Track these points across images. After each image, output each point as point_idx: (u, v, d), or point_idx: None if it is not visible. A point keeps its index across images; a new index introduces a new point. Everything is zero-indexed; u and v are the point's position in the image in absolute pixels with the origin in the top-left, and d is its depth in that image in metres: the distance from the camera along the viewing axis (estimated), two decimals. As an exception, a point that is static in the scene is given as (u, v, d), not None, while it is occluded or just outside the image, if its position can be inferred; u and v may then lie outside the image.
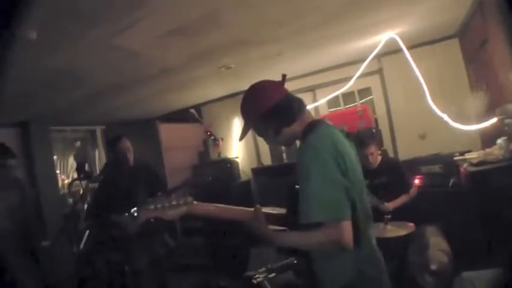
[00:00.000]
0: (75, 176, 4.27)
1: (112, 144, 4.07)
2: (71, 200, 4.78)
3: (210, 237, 6.18)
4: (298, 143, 1.96)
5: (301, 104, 1.92)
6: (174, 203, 1.75)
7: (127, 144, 4.05)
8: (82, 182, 3.91)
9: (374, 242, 1.89)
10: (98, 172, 5.04)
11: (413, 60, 4.52)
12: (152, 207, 1.73)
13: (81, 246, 4.05)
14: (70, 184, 4.68)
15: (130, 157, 4.06)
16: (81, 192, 4.19)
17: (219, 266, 5.68)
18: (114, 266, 4.14)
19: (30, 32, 2.26)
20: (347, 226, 1.63)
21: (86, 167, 3.92)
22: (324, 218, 1.63)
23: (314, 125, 1.84)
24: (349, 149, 1.84)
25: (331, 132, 1.82)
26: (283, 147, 6.27)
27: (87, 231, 4.03)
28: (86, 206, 4.17)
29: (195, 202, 1.79)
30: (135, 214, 1.78)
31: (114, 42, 3.00)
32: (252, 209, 1.85)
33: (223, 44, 3.69)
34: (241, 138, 2.02)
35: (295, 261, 3.23)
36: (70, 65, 3.30)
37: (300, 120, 1.88)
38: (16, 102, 3.95)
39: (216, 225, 5.84)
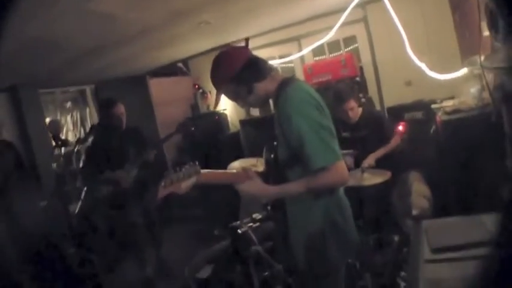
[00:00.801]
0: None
1: (106, 109, 4.17)
2: (54, 165, 4.91)
3: (203, 188, 6.31)
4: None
5: (268, 63, 2.05)
6: (184, 175, 1.81)
7: (121, 109, 4.17)
8: (61, 148, 4.03)
9: (341, 189, 2.05)
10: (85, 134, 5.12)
11: (399, 6, 4.46)
12: (165, 184, 1.78)
13: (80, 203, 4.25)
14: (52, 150, 4.80)
15: (124, 121, 4.20)
16: (74, 153, 4.35)
17: (213, 216, 5.86)
18: (110, 220, 4.35)
19: None
20: (344, 165, 1.82)
21: (61, 136, 4.04)
22: (328, 161, 1.77)
23: (287, 81, 1.97)
24: (323, 101, 1.97)
25: (305, 85, 1.97)
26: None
27: (84, 189, 4.21)
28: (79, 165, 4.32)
29: (202, 170, 1.87)
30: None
31: (88, 7, 3.01)
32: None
33: (200, 0, 3.68)
34: (215, 107, 2.16)
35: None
36: (48, 32, 3.33)
37: (271, 77, 2.00)
38: (1, 69, 4.00)
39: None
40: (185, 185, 1.81)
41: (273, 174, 2.06)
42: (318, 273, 1.97)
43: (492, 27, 2.15)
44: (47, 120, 5.35)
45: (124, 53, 4.79)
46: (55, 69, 4.61)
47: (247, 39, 2.09)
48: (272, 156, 2.06)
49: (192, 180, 1.83)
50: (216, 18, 4.35)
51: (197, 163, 1.88)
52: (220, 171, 2.02)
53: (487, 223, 2.04)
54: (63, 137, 4.00)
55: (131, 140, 4.21)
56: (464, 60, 4.71)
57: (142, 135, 4.45)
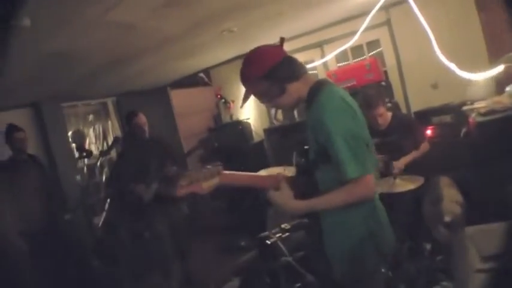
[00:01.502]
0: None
1: (129, 120, 4.26)
2: (78, 177, 4.92)
3: (229, 199, 6.28)
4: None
5: (302, 64, 1.99)
6: (205, 175, 1.76)
7: (143, 119, 4.24)
8: (85, 160, 4.03)
9: (376, 195, 1.98)
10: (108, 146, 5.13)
11: (423, 8, 4.36)
12: (185, 182, 1.74)
13: (104, 214, 4.23)
14: (76, 162, 4.82)
15: (146, 131, 4.24)
16: (97, 165, 4.34)
17: (240, 227, 5.79)
18: (135, 233, 4.33)
19: (24, 20, 2.30)
20: (372, 179, 1.77)
21: (86, 146, 4.04)
22: (358, 174, 1.71)
23: (321, 84, 1.93)
24: (356, 105, 1.94)
25: (339, 90, 1.92)
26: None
27: (108, 200, 4.20)
28: (102, 178, 4.31)
29: (224, 172, 1.82)
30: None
31: (108, 18, 2.99)
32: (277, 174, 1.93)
33: (222, 9, 3.63)
34: (242, 105, 2.10)
35: (307, 221, 3.31)
36: (69, 47, 3.33)
37: (304, 79, 1.95)
38: (24, 86, 4.04)
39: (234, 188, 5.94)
40: (207, 185, 1.76)
41: (304, 178, 1.99)
42: (355, 282, 1.91)
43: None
44: (70, 132, 5.38)
45: (145, 64, 4.78)
46: (77, 83, 4.62)
47: (282, 39, 2.03)
48: (303, 160, 2.00)
49: (214, 180, 1.78)
50: (238, 26, 4.31)
51: (220, 163, 1.82)
52: (244, 173, 1.95)
53: None
54: (87, 148, 3.97)
55: (154, 151, 4.21)
56: (492, 59, 4.60)
57: (167, 146, 4.47)
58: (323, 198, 1.79)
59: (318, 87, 1.91)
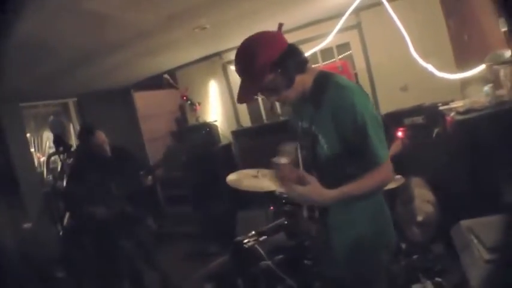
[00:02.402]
0: (51, 151, 4.10)
1: (85, 138, 3.83)
2: (50, 177, 4.58)
3: (195, 204, 6.15)
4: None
5: (304, 53, 1.82)
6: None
7: (102, 137, 3.83)
8: (61, 155, 3.71)
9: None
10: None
11: (394, 13, 4.41)
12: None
13: (64, 225, 3.96)
14: (48, 159, 4.49)
15: (107, 149, 3.86)
16: (59, 168, 4.05)
17: (208, 233, 5.66)
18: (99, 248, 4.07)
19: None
20: (391, 164, 1.72)
21: (65, 139, 3.72)
22: (387, 158, 1.68)
23: (327, 74, 1.80)
24: None
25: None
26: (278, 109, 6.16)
27: (67, 214, 3.92)
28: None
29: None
30: None
31: (83, 6, 2.81)
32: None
33: (196, 5, 3.53)
34: (247, 101, 1.94)
35: (286, 222, 3.22)
36: (39, 34, 3.09)
37: (308, 70, 1.80)
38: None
39: (201, 192, 5.82)
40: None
41: (314, 171, 1.81)
42: (365, 281, 1.83)
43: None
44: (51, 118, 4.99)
45: (112, 61, 4.62)
46: (39, 80, 4.35)
47: (281, 24, 1.79)
48: (312, 152, 1.86)
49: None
50: (211, 23, 4.21)
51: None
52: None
53: None
54: (66, 141, 3.61)
55: (117, 167, 3.85)
56: (459, 65, 4.71)
57: (130, 157, 4.12)
58: (353, 185, 1.64)
59: (325, 76, 1.78)
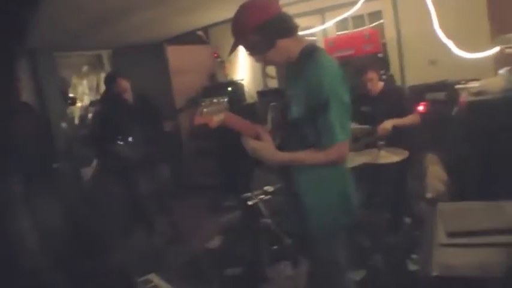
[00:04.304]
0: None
1: (107, 84, 4.08)
2: (64, 125, 4.84)
3: (218, 158, 6.32)
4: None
5: (296, 22, 1.98)
6: (217, 109, 1.84)
7: (123, 84, 4.01)
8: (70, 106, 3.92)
9: None
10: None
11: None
12: (201, 113, 1.81)
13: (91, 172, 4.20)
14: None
15: (128, 96, 4.06)
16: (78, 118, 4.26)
17: (225, 186, 5.83)
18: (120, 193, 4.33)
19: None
20: (347, 146, 1.85)
21: (69, 93, 3.92)
22: (343, 138, 1.80)
23: (315, 47, 1.97)
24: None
25: (330, 56, 1.94)
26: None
27: (95, 161, 4.14)
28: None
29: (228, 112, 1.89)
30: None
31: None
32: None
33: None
34: (230, 53, 2.08)
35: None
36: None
37: (296, 38, 1.97)
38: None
39: (222, 146, 5.94)
40: (216, 119, 1.82)
41: (280, 132, 2.05)
42: (331, 234, 1.98)
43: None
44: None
45: (145, 16, 4.67)
46: (74, 31, 4.51)
47: None
48: (280, 116, 2.04)
49: (221, 116, 1.84)
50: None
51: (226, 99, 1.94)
52: (242, 120, 1.98)
53: (507, 210, 1.97)
54: (70, 95, 3.84)
55: (139, 112, 4.10)
56: (495, 39, 4.53)
57: (153, 106, 4.33)
58: (305, 154, 1.85)
59: (313, 48, 1.94)
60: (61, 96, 3.85)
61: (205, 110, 1.80)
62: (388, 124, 3.57)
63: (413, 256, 3.26)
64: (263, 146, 1.85)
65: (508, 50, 2.80)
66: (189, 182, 6.39)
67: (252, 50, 1.99)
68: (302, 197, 1.97)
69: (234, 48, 2.02)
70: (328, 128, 1.78)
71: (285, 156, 1.87)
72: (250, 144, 1.85)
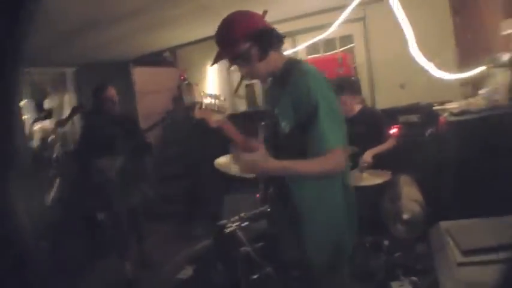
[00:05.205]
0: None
1: (97, 92, 4.08)
2: (33, 142, 4.63)
3: (186, 185, 6.14)
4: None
5: (282, 36, 1.93)
6: (218, 108, 1.85)
7: (113, 92, 4.10)
8: (44, 120, 3.79)
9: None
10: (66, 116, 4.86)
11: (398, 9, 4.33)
12: (202, 106, 1.80)
13: (53, 193, 3.97)
14: (32, 124, 4.51)
15: (116, 104, 4.12)
16: (51, 136, 4.11)
17: (195, 214, 5.66)
18: (87, 213, 4.12)
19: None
20: (344, 152, 1.79)
21: (46, 104, 3.77)
22: (335, 144, 1.71)
23: (295, 60, 1.94)
24: None
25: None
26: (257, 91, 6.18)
27: (58, 179, 3.93)
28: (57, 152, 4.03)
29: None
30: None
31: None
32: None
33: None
34: (214, 63, 1.93)
35: (269, 210, 3.20)
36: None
37: (280, 52, 1.93)
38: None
39: (192, 173, 5.80)
40: (216, 118, 1.82)
41: (273, 151, 1.89)
42: (335, 264, 1.88)
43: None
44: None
45: (113, 33, 4.56)
46: (39, 47, 4.29)
47: (265, 11, 1.96)
48: (273, 133, 1.94)
49: (221, 117, 1.85)
50: (215, 3, 4.13)
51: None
52: (242, 136, 1.98)
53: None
54: (47, 107, 3.66)
55: (122, 127, 4.09)
56: (461, 64, 4.65)
57: (134, 124, 4.40)
58: (299, 163, 1.73)
59: (296, 60, 1.94)
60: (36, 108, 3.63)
61: (206, 102, 1.77)
62: (368, 157, 3.58)
63: (402, 278, 3.19)
64: (256, 155, 1.74)
65: (492, 70, 2.82)
66: (154, 209, 6.14)
67: (242, 60, 1.88)
68: (303, 216, 1.86)
69: (218, 59, 1.91)
70: (319, 135, 1.70)
71: (279, 164, 1.72)
72: (245, 157, 1.74)
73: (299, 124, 1.77)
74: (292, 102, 1.78)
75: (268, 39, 1.81)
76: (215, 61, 1.91)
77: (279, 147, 1.88)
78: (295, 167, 1.73)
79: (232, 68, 2.01)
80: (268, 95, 2.07)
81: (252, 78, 2.10)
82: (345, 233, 1.86)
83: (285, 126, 1.83)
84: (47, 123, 4.81)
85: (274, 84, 1.95)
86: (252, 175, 3.02)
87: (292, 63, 1.88)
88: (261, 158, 1.72)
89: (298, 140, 1.78)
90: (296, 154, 1.78)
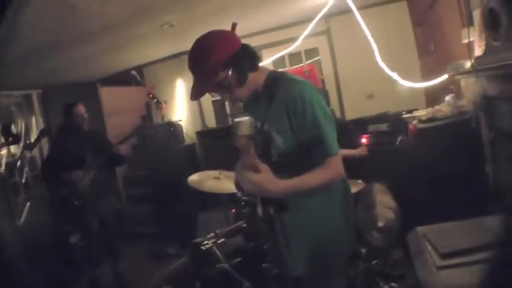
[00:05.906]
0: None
1: (68, 110, 4.09)
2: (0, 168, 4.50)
3: (156, 204, 6.05)
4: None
5: (257, 52, 1.84)
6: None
7: (82, 110, 4.13)
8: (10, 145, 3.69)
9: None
10: (34, 139, 4.76)
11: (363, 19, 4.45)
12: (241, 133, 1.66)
13: (23, 218, 3.87)
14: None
15: (86, 122, 4.15)
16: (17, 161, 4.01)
17: (167, 233, 5.58)
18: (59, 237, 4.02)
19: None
20: (340, 159, 1.73)
21: (12, 128, 3.66)
22: (334, 151, 1.67)
23: (278, 73, 1.85)
24: None
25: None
26: (227, 109, 6.20)
27: (28, 204, 3.83)
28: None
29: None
30: None
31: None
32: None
33: (166, 0, 3.47)
34: (198, 97, 1.79)
35: (245, 225, 3.18)
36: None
37: (260, 68, 1.82)
38: None
39: (163, 192, 5.72)
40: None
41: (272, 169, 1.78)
42: (332, 269, 1.87)
43: (491, 26, 2.07)
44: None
45: (79, 53, 4.50)
46: (3, 70, 4.18)
47: (234, 24, 1.82)
48: (265, 149, 1.85)
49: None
50: (180, 20, 4.14)
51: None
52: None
53: (488, 226, 1.99)
54: (14, 131, 3.52)
55: (91, 142, 4.12)
56: (424, 74, 4.80)
57: (103, 136, 4.47)
58: (306, 177, 1.64)
59: (277, 74, 1.84)
60: (2, 132, 3.50)
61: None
62: None
63: (381, 285, 3.21)
64: (264, 177, 1.58)
65: (457, 77, 2.92)
66: (124, 230, 6.02)
67: (221, 88, 1.76)
68: (306, 226, 1.83)
69: (199, 93, 1.77)
70: (324, 141, 1.66)
71: (288, 183, 1.61)
72: (251, 178, 1.57)
73: (300, 135, 1.71)
74: (286, 112, 1.70)
75: (246, 61, 1.71)
76: (196, 96, 1.77)
77: (273, 163, 1.75)
78: (299, 186, 1.63)
79: (212, 97, 1.92)
80: (247, 110, 1.94)
81: (235, 101, 2.02)
82: (345, 234, 1.86)
83: (282, 142, 1.77)
84: (15, 148, 4.70)
85: (256, 100, 1.84)
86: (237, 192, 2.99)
87: (276, 75, 1.81)
88: (269, 180, 1.59)
89: (302, 153, 1.73)
90: (297, 169, 1.68)
